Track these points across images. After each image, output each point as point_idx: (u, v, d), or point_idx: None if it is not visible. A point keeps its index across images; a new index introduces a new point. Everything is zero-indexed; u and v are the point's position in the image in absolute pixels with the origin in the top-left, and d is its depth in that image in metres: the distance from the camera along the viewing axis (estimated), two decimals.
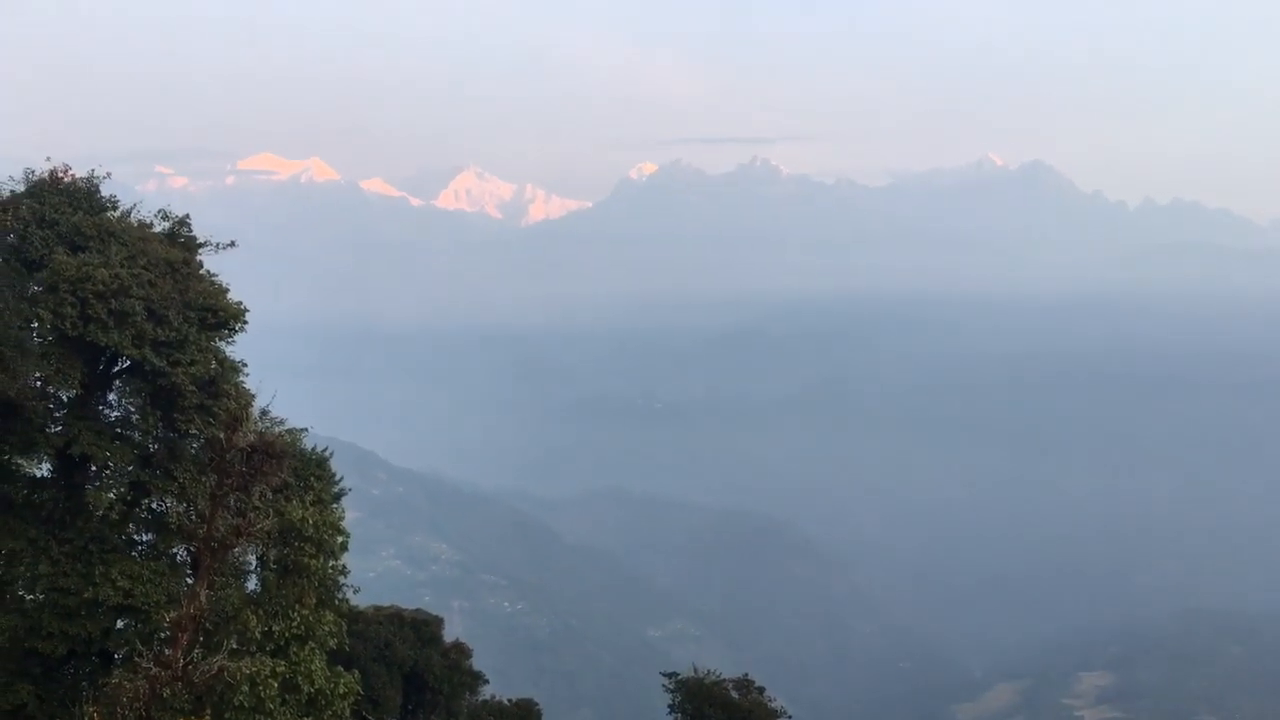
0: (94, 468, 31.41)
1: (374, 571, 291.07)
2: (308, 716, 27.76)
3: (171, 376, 30.21)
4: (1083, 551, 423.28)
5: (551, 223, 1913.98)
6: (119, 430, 31.22)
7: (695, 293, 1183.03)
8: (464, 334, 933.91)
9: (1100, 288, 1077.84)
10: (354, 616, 45.91)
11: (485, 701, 57.14)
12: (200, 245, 34.15)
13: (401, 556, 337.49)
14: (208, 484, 28.50)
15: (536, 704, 58.53)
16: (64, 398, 30.90)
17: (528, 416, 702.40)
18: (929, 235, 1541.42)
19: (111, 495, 31.17)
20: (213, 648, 26.21)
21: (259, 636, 27.31)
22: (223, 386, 31.51)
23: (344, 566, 30.97)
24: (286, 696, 26.82)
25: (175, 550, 32.06)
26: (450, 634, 59.25)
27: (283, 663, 26.95)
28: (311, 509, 29.00)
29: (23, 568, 30.09)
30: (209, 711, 25.38)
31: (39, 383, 30.07)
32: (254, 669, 25.76)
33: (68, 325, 28.95)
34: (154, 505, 32.13)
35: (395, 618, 55.69)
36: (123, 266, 29.89)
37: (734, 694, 50.53)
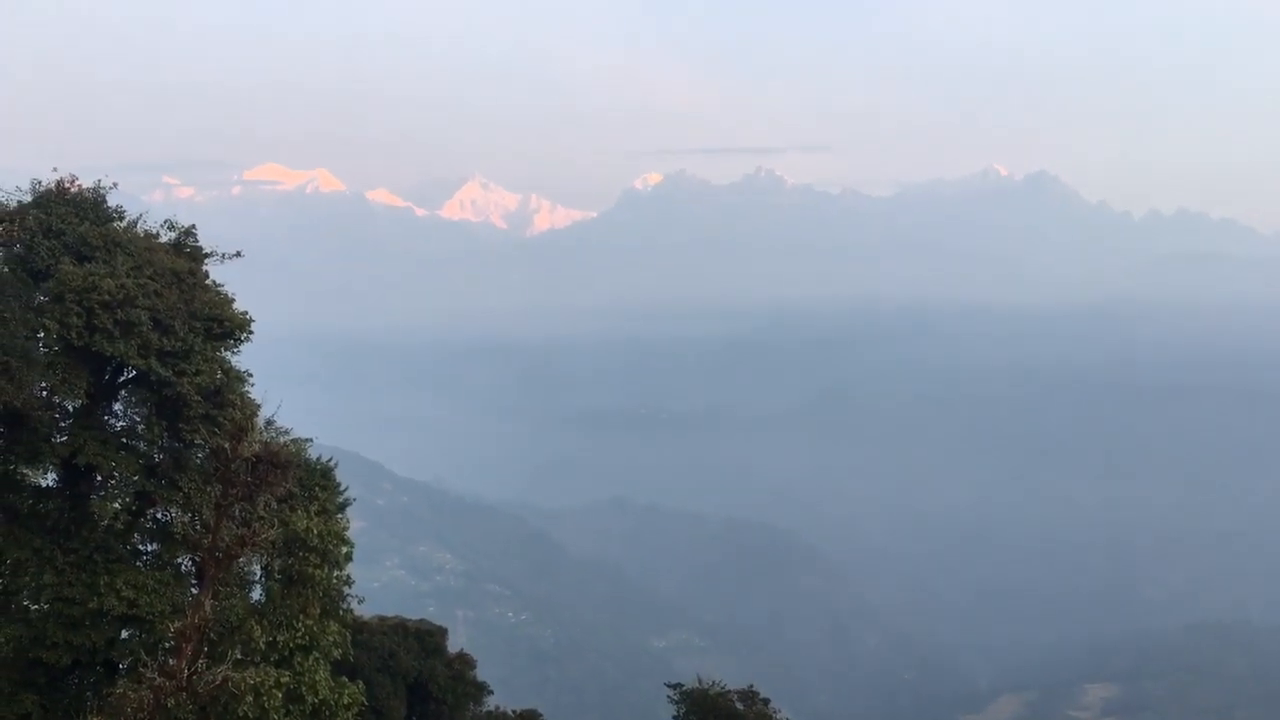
0: (99, 477, 31.41)
1: (378, 582, 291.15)
2: None
3: (177, 386, 30.23)
4: (1088, 562, 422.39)
5: (556, 233, 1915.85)
6: (124, 440, 31.23)
7: (700, 303, 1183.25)
8: (469, 344, 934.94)
9: (1105, 297, 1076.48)
10: (358, 627, 45.86)
11: (489, 712, 57.03)
12: (206, 255, 34.16)
13: (406, 567, 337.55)
14: (213, 494, 28.48)
15: (540, 715, 58.41)
16: (69, 407, 30.93)
17: (533, 426, 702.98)
18: (934, 245, 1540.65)
19: (116, 505, 31.17)
20: (217, 658, 26.17)
21: (263, 647, 27.27)
22: (228, 396, 31.52)
23: (349, 577, 30.96)
24: (291, 707, 26.76)
25: (180, 560, 32.01)
26: (454, 644, 59.15)
27: (287, 673, 26.89)
28: (316, 519, 28.97)
29: (27, 577, 30.07)
30: None
31: (45, 392, 30.10)
32: (258, 679, 25.70)
33: (74, 335, 28.99)
34: (159, 515, 32.14)
35: (399, 628, 55.61)
36: (129, 276, 29.94)
37: (739, 705, 50.36)
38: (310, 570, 28.07)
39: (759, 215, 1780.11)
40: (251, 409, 31.69)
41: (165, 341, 30.10)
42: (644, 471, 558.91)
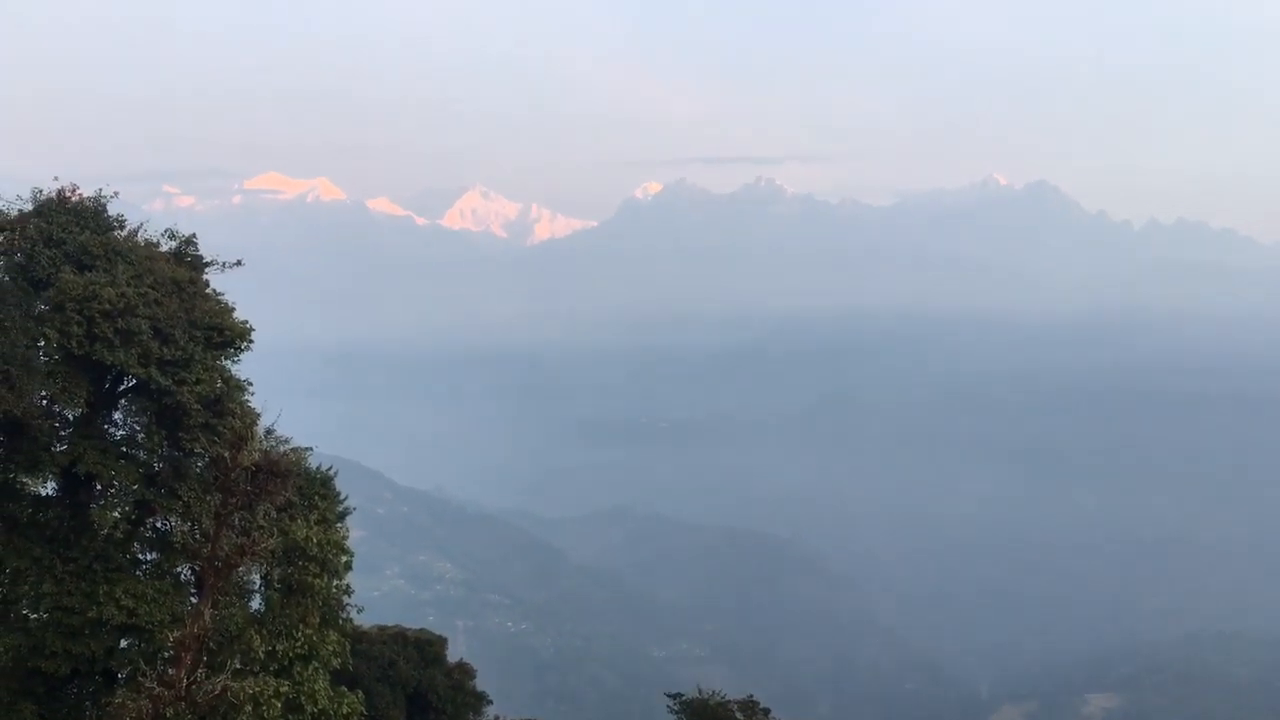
0: (99, 486, 31.38)
1: (378, 591, 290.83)
2: None
3: (177, 395, 30.21)
4: (1089, 571, 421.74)
5: (557, 242, 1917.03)
6: (124, 449, 31.19)
7: (700, 312, 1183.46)
8: (470, 353, 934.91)
9: (1105, 307, 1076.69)
10: (358, 636, 45.83)
11: None
12: (206, 264, 34.20)
13: (406, 576, 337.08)
14: (212, 503, 28.50)
15: None
16: (69, 416, 30.90)
17: (533, 435, 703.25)
18: (934, 255, 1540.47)
19: (116, 514, 31.09)
20: (216, 667, 26.16)
21: (263, 656, 27.27)
22: (228, 405, 31.49)
23: (348, 586, 30.96)
24: (290, 716, 26.74)
25: (179, 569, 31.96)
26: (454, 654, 59.10)
27: (286, 682, 26.88)
28: (316, 528, 29.00)
29: (27, 586, 30.03)
30: None
31: (45, 401, 30.08)
32: (258, 689, 25.68)
33: (74, 344, 28.99)
34: (159, 524, 32.09)
35: (399, 637, 55.58)
36: (129, 285, 29.96)
37: (739, 715, 50.33)
38: (310, 579, 28.09)
39: (759, 225, 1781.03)
40: (251, 418, 31.67)
41: (165, 350, 30.09)
42: (644, 480, 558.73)
